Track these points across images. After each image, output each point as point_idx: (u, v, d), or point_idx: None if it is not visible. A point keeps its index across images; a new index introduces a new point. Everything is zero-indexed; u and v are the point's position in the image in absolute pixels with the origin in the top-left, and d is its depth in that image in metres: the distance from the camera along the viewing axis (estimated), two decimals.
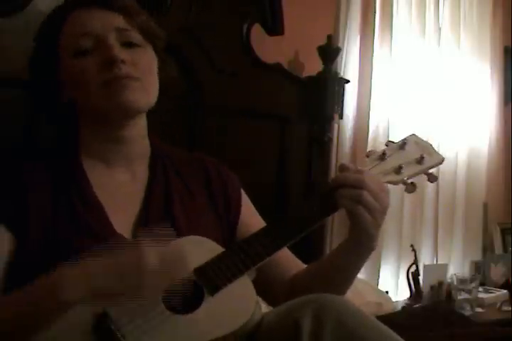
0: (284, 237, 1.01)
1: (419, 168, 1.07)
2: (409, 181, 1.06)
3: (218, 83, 1.80)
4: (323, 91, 1.98)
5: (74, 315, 0.86)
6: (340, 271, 1.10)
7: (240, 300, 0.97)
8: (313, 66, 2.07)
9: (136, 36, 1.07)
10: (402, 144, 1.08)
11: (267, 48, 1.92)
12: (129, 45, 1.06)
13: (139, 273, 0.84)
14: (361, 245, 1.05)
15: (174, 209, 1.09)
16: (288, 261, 1.19)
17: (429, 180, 1.10)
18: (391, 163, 1.06)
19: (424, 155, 1.07)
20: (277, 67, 1.94)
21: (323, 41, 2.02)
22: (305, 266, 1.20)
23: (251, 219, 1.20)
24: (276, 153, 1.94)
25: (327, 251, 2.13)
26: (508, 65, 2.76)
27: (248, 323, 0.96)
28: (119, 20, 1.06)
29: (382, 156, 1.06)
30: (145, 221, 1.06)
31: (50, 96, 1.10)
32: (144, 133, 1.14)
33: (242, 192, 1.23)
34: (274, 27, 1.88)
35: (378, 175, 1.04)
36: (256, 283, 1.11)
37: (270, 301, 1.20)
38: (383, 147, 1.09)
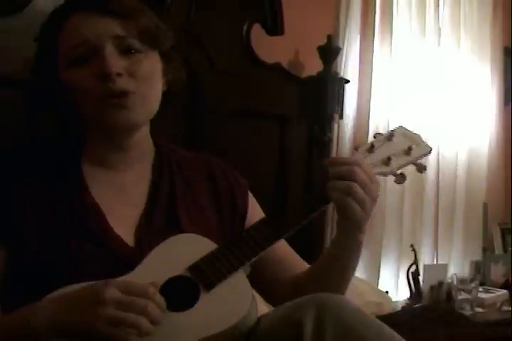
0: (275, 233, 1.01)
1: (407, 158, 1.08)
2: (398, 172, 1.07)
3: (218, 83, 1.80)
4: (323, 91, 1.98)
5: None
6: (334, 268, 1.10)
7: (236, 295, 0.97)
8: (313, 66, 2.07)
9: (135, 42, 1.04)
10: (390, 136, 1.08)
11: (267, 48, 1.92)
12: (128, 51, 1.04)
13: (94, 305, 0.85)
14: (350, 237, 1.06)
15: (178, 211, 1.09)
16: (291, 260, 1.20)
17: (417, 170, 1.10)
18: (380, 154, 1.06)
19: (412, 146, 1.08)
20: (277, 67, 1.94)
21: (323, 41, 2.02)
22: (308, 265, 1.19)
23: None
24: (276, 153, 1.94)
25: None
26: (508, 65, 2.76)
27: (245, 321, 0.96)
28: (116, 27, 1.03)
29: (371, 148, 1.07)
30: (149, 223, 1.07)
31: (53, 96, 1.08)
32: (147, 136, 1.14)
33: (250, 196, 1.22)
34: (274, 27, 1.88)
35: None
36: (258, 281, 1.12)
37: (271, 300, 1.20)
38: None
